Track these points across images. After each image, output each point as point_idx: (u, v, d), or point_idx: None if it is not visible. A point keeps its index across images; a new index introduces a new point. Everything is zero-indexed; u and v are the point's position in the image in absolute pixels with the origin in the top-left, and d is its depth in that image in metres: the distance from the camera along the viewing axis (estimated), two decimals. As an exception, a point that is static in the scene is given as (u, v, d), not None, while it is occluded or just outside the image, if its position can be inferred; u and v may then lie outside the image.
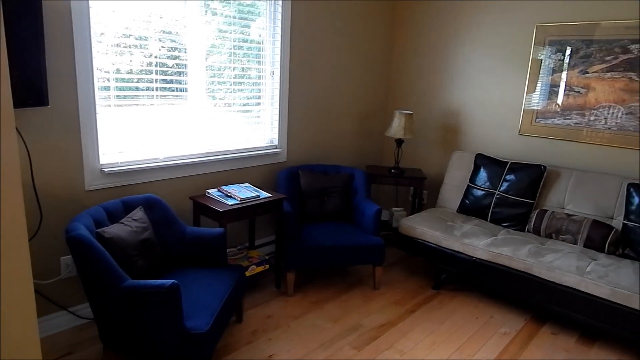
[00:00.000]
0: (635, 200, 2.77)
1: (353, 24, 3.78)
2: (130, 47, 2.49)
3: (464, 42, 3.77)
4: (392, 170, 3.76)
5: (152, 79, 2.62)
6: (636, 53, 2.98)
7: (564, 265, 2.57)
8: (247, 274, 2.87)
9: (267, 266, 3.00)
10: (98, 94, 2.40)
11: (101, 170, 2.45)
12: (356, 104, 4.02)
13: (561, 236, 2.93)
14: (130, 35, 2.48)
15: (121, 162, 2.55)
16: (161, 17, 2.59)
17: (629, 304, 2.31)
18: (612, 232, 2.77)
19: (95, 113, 2.38)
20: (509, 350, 2.49)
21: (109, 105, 2.46)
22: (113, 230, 2.05)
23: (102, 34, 2.37)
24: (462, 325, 2.73)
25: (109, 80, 2.43)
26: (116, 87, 2.48)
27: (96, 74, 2.38)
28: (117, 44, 2.44)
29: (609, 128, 3.13)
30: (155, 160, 2.70)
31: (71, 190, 2.36)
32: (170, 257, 2.43)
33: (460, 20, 3.77)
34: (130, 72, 2.53)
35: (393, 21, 4.18)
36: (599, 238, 2.78)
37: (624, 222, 2.79)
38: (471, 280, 2.94)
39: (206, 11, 2.82)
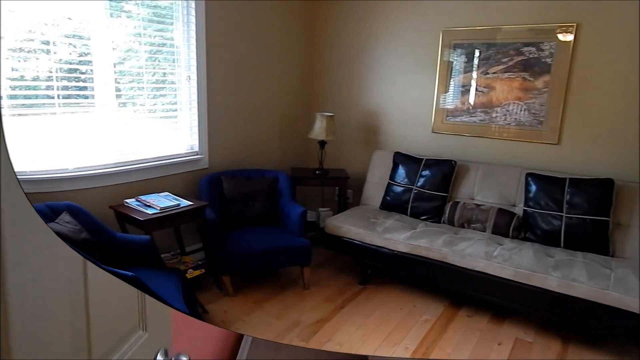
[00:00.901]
0: (533, 188, 3.06)
1: (272, 27, 3.79)
2: (36, 52, 2.31)
3: (380, 46, 3.94)
4: (317, 172, 3.83)
5: (59, 86, 2.44)
6: (527, 55, 3.30)
7: (474, 252, 2.78)
8: (188, 276, 2.82)
9: (203, 270, 2.94)
10: (-10, 103, 2.20)
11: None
12: (279, 108, 4.04)
13: (472, 225, 3.17)
14: (34, 38, 2.29)
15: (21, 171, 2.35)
16: (70, 19, 2.42)
17: (529, 282, 2.56)
18: (515, 218, 3.05)
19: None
20: (430, 336, 2.65)
21: (4, 115, 2.26)
22: (55, 227, 1.92)
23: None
24: (388, 316, 2.85)
25: (5, 88, 2.24)
26: (15, 95, 2.28)
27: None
28: (20, 49, 2.25)
29: (509, 124, 3.44)
30: (65, 171, 2.52)
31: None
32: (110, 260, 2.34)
33: (376, 25, 3.93)
34: (37, 78, 2.34)
35: (313, 24, 4.25)
36: (504, 224, 3.04)
37: (524, 208, 3.08)
38: (394, 273, 3.08)
39: (119, 14, 2.68)
